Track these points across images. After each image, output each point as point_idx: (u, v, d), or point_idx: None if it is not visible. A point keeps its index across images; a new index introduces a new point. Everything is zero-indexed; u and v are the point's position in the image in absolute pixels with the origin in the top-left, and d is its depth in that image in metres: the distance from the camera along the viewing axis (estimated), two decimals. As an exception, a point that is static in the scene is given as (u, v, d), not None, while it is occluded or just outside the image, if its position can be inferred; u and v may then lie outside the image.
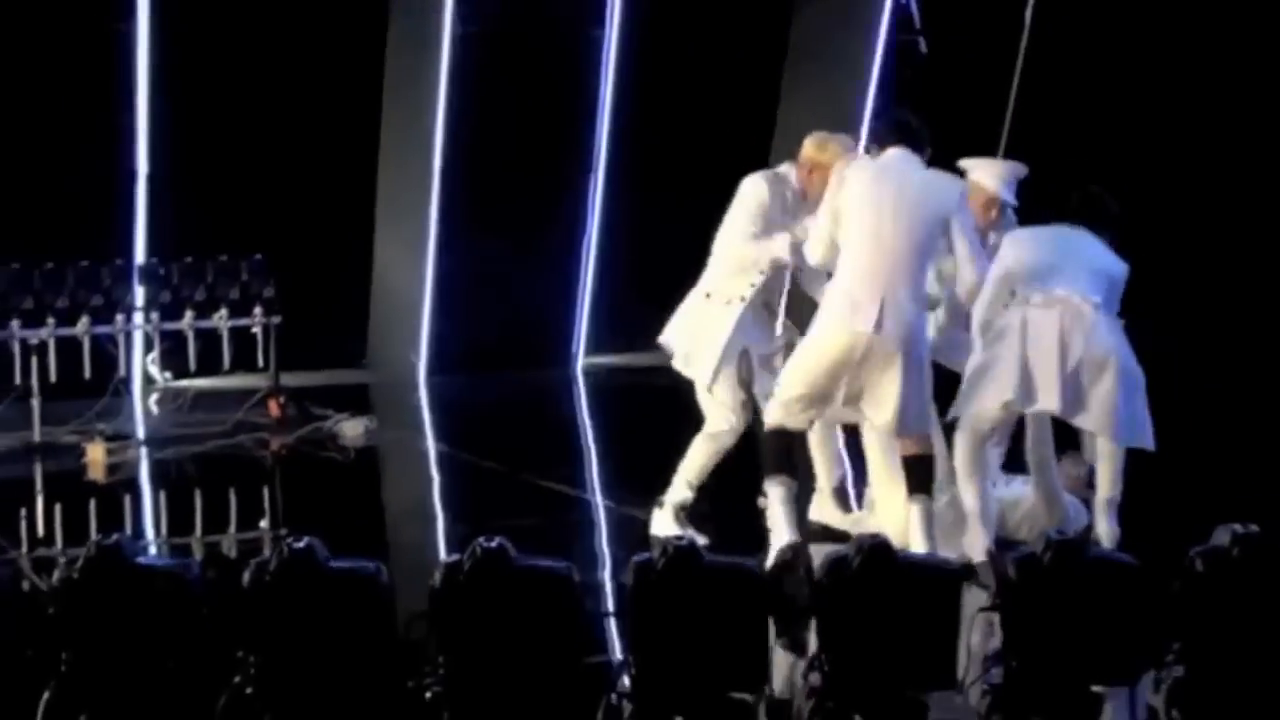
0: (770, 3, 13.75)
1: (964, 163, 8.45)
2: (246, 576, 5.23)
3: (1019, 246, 8.19)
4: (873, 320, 7.65)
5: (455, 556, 5.23)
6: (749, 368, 8.49)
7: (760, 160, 13.45)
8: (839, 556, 5.31)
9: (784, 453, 8.05)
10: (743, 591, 5.28)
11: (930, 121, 8.24)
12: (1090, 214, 8.29)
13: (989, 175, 8.41)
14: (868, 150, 8.49)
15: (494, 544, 5.16)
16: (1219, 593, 5.26)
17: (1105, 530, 8.02)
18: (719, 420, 8.41)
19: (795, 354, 8.06)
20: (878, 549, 5.19)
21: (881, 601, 5.24)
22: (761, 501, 8.21)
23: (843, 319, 7.73)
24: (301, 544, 5.24)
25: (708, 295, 8.54)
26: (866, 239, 7.79)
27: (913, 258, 7.80)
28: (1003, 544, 7.90)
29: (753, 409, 8.41)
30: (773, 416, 8.02)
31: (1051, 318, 7.90)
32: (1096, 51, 13.61)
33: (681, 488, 8.46)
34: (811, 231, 8.11)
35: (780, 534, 7.88)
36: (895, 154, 7.96)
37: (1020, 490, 8.47)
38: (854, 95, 13.57)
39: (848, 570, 5.26)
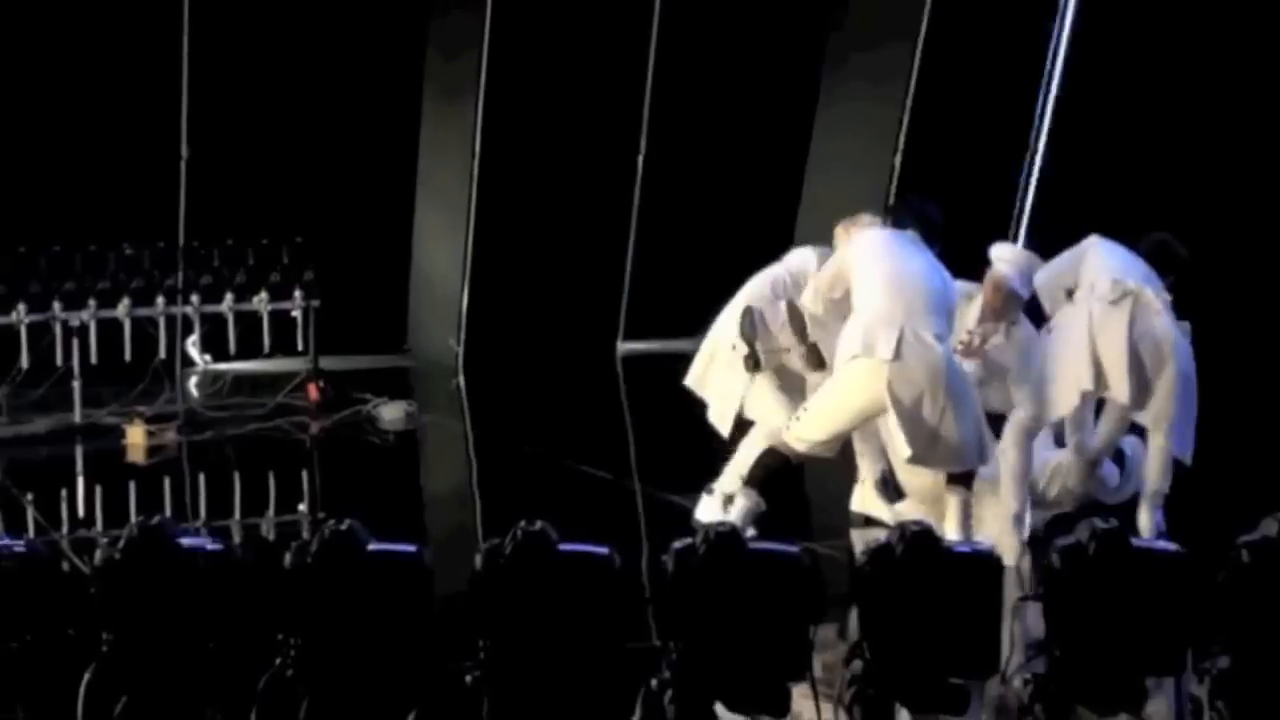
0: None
1: (994, 250, 8.51)
2: (287, 558, 5.22)
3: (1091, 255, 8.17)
4: (891, 347, 7.60)
5: (496, 540, 5.20)
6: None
7: (799, 154, 13.54)
8: (882, 544, 5.27)
9: (776, 474, 8.06)
10: (785, 577, 5.24)
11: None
12: (1156, 261, 8.24)
13: (1008, 263, 8.39)
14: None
15: (536, 527, 5.13)
16: (1265, 583, 5.21)
17: (1147, 523, 7.98)
18: (771, 420, 8.37)
19: (819, 397, 7.97)
20: (920, 536, 5.14)
21: (923, 589, 5.20)
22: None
23: (862, 349, 7.66)
24: (342, 526, 5.23)
25: (734, 347, 8.50)
26: (883, 281, 7.79)
27: (931, 299, 7.77)
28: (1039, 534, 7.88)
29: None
30: (794, 448, 7.97)
31: (1120, 311, 7.85)
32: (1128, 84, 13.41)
33: (732, 478, 8.40)
34: (813, 281, 8.14)
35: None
36: (911, 235, 8.00)
37: (1045, 455, 8.40)
38: (892, 108, 13.42)
39: (890, 557, 5.23)
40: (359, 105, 12.94)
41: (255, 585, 5.31)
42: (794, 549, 5.28)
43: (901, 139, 13.12)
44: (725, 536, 5.15)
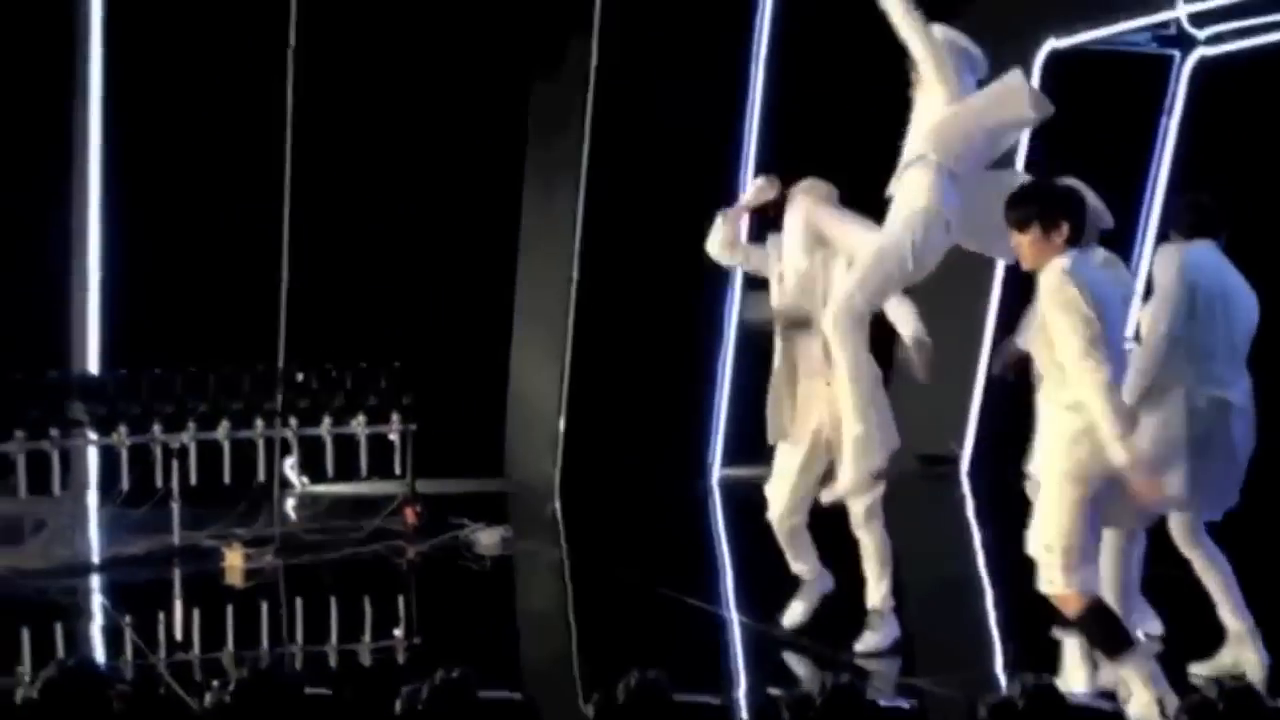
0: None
1: None
2: (399, 705, 5.18)
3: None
4: None
5: (610, 687, 5.14)
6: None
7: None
8: (1003, 699, 5.16)
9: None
10: None
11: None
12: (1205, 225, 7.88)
13: None
14: (1166, 236, 8.15)
15: (651, 675, 5.07)
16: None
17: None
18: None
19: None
20: (1045, 691, 5.03)
21: None
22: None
23: None
24: (454, 674, 5.18)
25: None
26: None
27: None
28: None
29: None
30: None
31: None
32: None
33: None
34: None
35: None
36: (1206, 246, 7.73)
37: None
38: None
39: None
40: (458, 232, 13.07)
41: (366, 731, 5.27)
42: (913, 706, 5.18)
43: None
44: (843, 690, 5.06)
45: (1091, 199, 7.47)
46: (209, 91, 12.67)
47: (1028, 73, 13.01)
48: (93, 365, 12.54)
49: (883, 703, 5.11)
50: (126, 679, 5.55)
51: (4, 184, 12.58)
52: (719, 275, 13.36)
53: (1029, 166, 13.06)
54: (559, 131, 13.17)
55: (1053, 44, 13.15)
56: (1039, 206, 6.88)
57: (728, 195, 13.23)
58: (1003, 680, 7.69)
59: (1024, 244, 6.90)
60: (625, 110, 13.11)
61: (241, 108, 12.73)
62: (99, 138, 12.59)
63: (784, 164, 13.20)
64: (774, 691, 7.15)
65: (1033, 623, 7.89)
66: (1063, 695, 4.96)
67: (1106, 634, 6.65)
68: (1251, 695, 4.99)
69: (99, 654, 8.79)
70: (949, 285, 13.31)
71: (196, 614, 10.01)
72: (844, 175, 13.14)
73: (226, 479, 11.29)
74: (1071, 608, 6.70)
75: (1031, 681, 4.92)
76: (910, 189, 7.83)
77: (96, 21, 12.40)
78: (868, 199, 13.20)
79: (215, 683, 5.31)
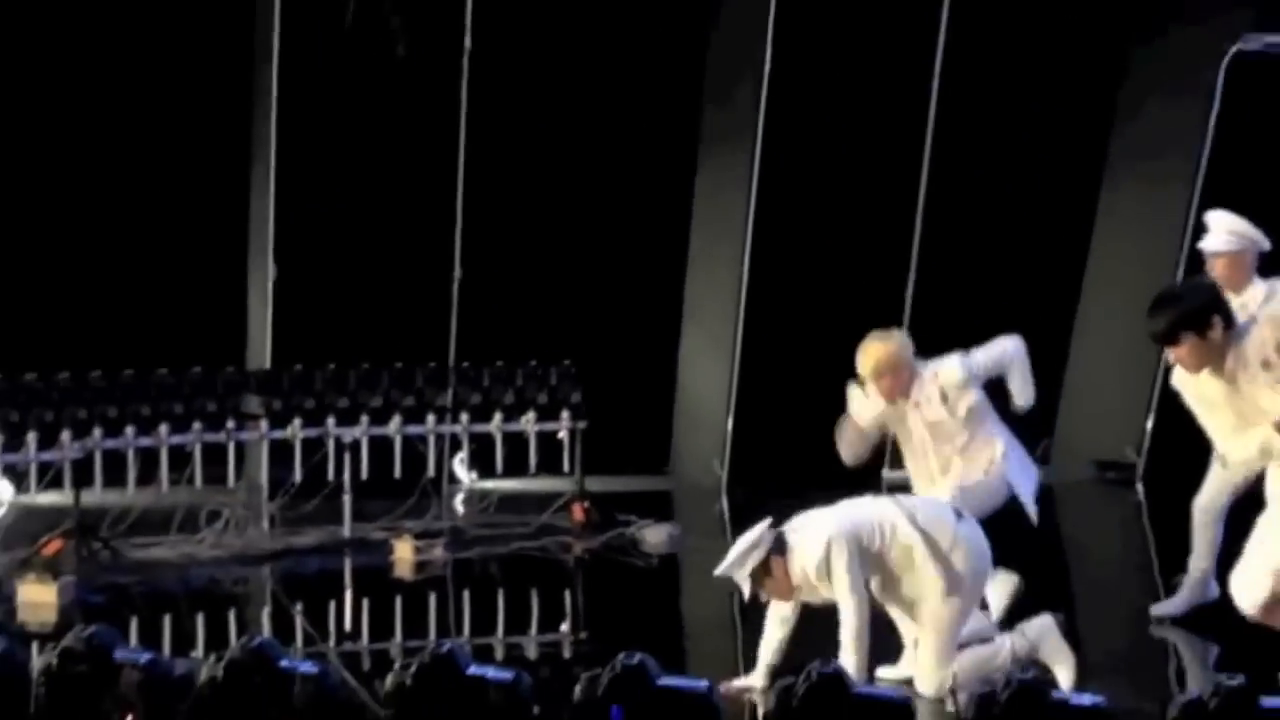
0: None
1: None
2: (577, 691, 5.19)
3: None
4: None
5: (789, 680, 5.12)
6: None
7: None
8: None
9: None
10: None
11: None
12: None
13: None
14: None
15: (830, 669, 5.04)
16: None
17: None
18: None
19: None
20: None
21: None
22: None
23: None
24: (633, 660, 5.19)
25: None
26: None
27: None
28: None
29: None
30: None
31: None
32: None
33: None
34: None
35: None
36: None
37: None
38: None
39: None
40: (629, 230, 13.09)
41: (544, 716, 5.28)
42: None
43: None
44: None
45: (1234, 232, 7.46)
46: (383, 89, 12.80)
47: (1214, 77, 12.90)
48: (268, 360, 12.72)
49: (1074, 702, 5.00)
50: (307, 664, 5.61)
51: (184, 182, 12.83)
52: (890, 273, 13.28)
53: (1212, 170, 12.91)
54: (732, 130, 13.15)
55: (1239, 47, 12.92)
56: (1177, 317, 6.79)
57: (903, 195, 13.22)
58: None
59: (1184, 355, 6.85)
60: (800, 110, 13.06)
61: (415, 104, 12.86)
62: (275, 136, 12.78)
63: (960, 169, 13.27)
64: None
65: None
66: (1254, 696, 4.85)
67: None
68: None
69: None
70: (1132, 288, 13.20)
71: (366, 604, 10.12)
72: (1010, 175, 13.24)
73: (397, 473, 11.39)
74: None
75: (1225, 683, 4.83)
76: None
77: (276, 21, 12.59)
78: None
79: (396, 664, 5.37)
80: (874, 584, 7.31)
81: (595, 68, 13.14)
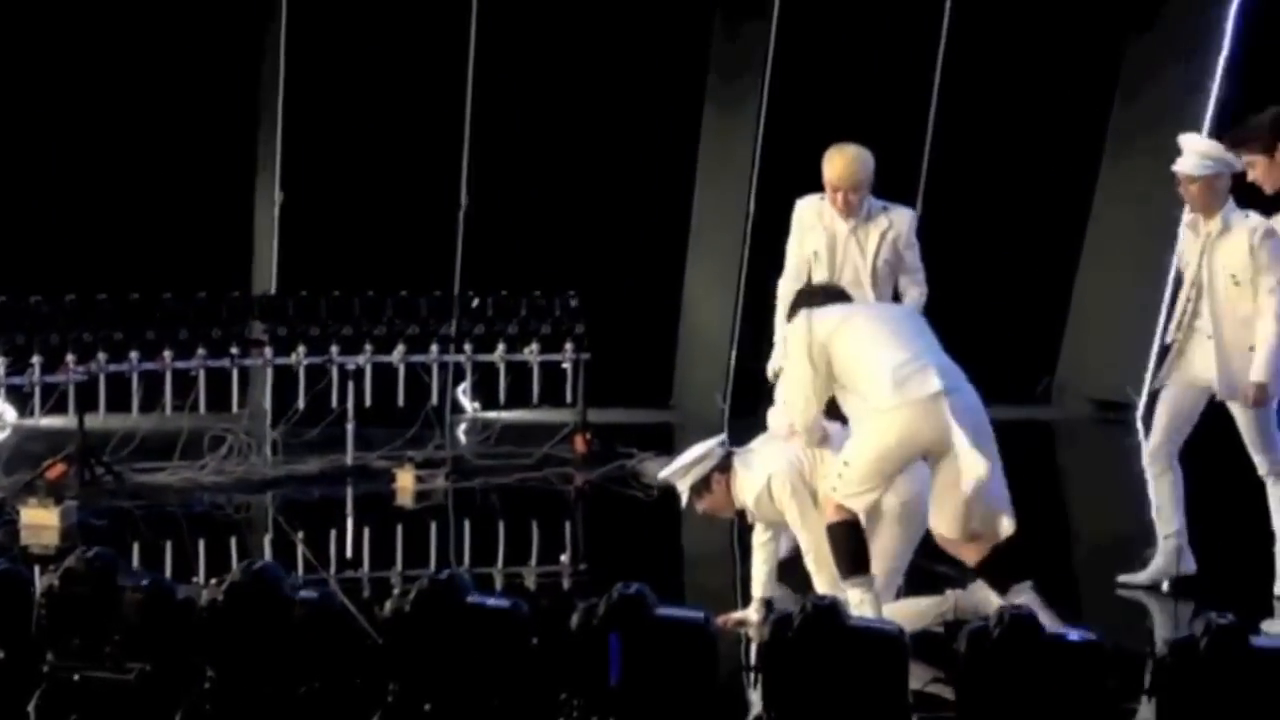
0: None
1: None
2: (574, 619, 5.22)
3: None
4: None
5: (784, 612, 5.15)
6: None
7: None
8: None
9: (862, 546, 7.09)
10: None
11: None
12: None
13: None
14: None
15: (826, 602, 5.07)
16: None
17: None
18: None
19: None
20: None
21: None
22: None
23: None
24: (631, 590, 5.22)
25: None
26: None
27: None
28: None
29: None
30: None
31: None
32: None
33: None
34: None
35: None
36: None
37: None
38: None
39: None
40: (635, 164, 13.07)
41: (542, 644, 5.31)
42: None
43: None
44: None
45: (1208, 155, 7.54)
46: (393, 16, 12.78)
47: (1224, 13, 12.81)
48: (273, 286, 12.73)
49: (1071, 637, 5.02)
50: (308, 590, 5.64)
51: (192, 108, 12.81)
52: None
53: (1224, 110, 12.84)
54: (740, 64, 13.13)
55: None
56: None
57: (910, 133, 13.18)
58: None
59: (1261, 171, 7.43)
60: (807, 45, 13.01)
61: (424, 31, 12.83)
62: (283, 62, 12.77)
63: (968, 108, 13.22)
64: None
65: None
66: (1246, 636, 4.89)
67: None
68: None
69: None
70: (1134, 232, 13.20)
71: (367, 532, 10.16)
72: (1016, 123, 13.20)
73: (400, 402, 11.42)
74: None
75: (1215, 621, 4.86)
76: None
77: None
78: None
79: (395, 591, 5.40)
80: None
81: (607, 2, 13.11)
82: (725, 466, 7.49)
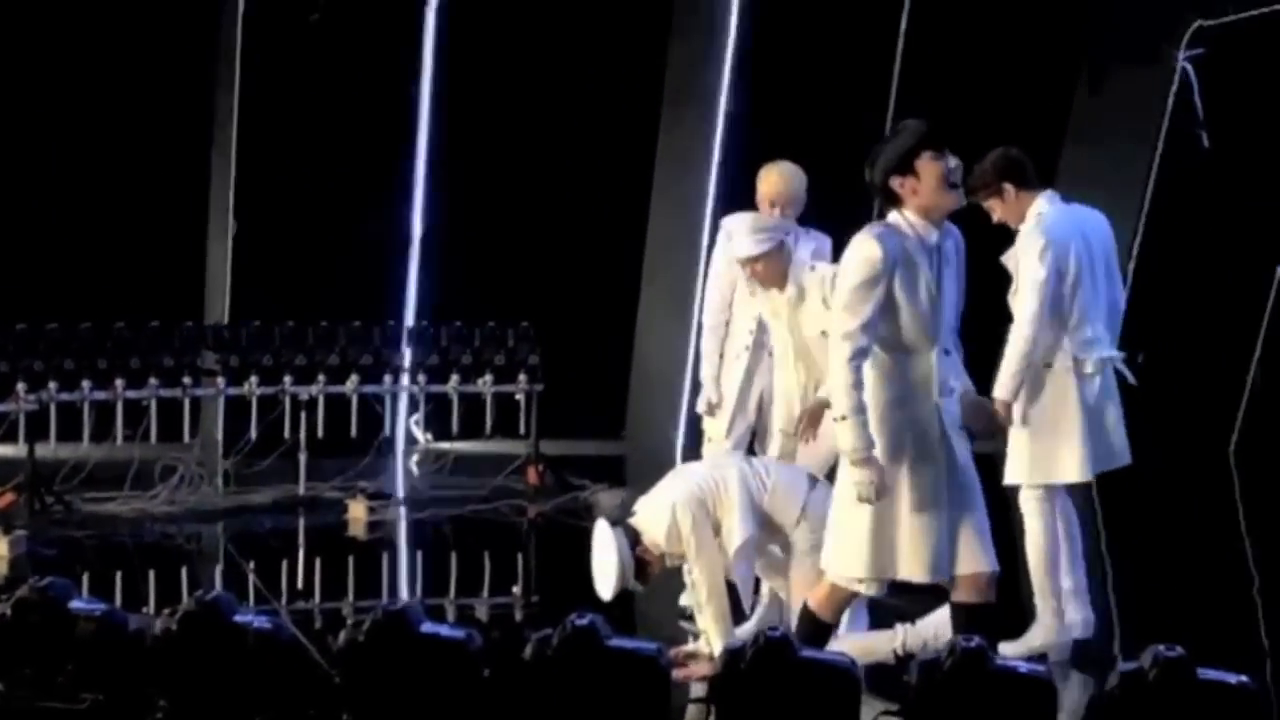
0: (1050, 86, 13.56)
1: None
2: (528, 650, 5.24)
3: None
4: None
5: (739, 644, 5.18)
6: None
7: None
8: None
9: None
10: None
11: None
12: None
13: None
14: None
15: (777, 634, 5.10)
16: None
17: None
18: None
19: None
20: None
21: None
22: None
23: None
24: (584, 621, 5.23)
25: None
26: None
27: None
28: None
29: None
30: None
31: None
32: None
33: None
34: None
35: None
36: None
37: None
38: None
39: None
40: (588, 195, 13.10)
41: (494, 674, 5.32)
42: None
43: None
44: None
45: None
46: (346, 47, 12.79)
47: (1175, 51, 12.91)
48: (225, 316, 12.71)
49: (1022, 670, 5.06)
50: (260, 620, 5.64)
51: (145, 136, 12.78)
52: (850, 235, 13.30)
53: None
54: (693, 98, 13.16)
55: (1200, 23, 12.96)
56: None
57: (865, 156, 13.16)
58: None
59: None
60: (761, 75, 13.06)
61: (377, 67, 12.84)
62: (238, 92, 12.79)
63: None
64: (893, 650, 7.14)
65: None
66: (1191, 667, 4.93)
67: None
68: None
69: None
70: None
71: (319, 563, 10.14)
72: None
73: (353, 432, 11.41)
74: None
75: (1163, 653, 4.90)
76: None
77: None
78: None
79: (349, 622, 5.40)
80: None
81: (560, 35, 13.14)
82: (634, 537, 7.27)
